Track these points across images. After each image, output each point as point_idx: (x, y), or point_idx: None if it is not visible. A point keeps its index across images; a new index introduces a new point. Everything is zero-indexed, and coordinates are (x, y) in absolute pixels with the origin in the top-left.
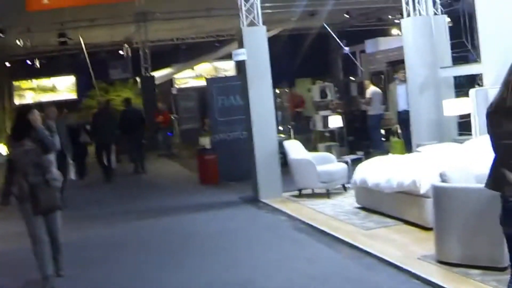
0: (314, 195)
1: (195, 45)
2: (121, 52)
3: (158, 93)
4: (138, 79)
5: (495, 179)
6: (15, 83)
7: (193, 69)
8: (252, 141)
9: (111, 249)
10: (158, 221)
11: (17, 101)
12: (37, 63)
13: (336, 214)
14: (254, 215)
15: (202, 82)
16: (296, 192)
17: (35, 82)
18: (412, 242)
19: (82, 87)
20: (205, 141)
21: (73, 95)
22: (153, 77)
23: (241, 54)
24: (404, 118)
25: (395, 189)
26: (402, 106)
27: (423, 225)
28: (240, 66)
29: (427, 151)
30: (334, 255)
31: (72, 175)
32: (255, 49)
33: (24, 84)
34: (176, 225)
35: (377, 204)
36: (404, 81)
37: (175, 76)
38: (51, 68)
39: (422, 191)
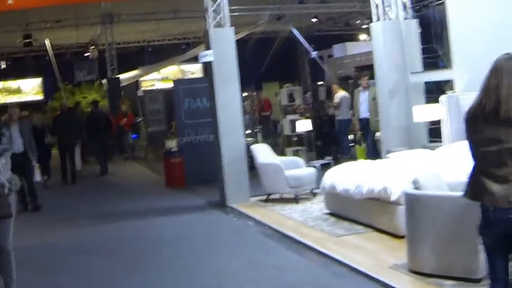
0: (282, 200)
1: (162, 47)
2: (87, 54)
3: (123, 95)
4: (103, 81)
5: (474, 188)
6: None
7: (159, 71)
8: (219, 144)
9: (72, 254)
10: (123, 225)
11: None
12: (3, 65)
13: (305, 220)
14: (221, 220)
15: (169, 85)
16: (264, 197)
17: (0, 84)
18: (383, 250)
19: (48, 88)
20: (172, 144)
21: (39, 97)
22: (118, 79)
23: (207, 56)
24: (365, 125)
25: (365, 196)
26: (363, 113)
27: (394, 233)
28: (207, 68)
29: (397, 158)
30: (303, 263)
31: (37, 176)
32: (222, 51)
33: None
34: (141, 229)
35: (346, 210)
36: (366, 88)
37: (142, 78)
38: (17, 69)
39: (393, 198)
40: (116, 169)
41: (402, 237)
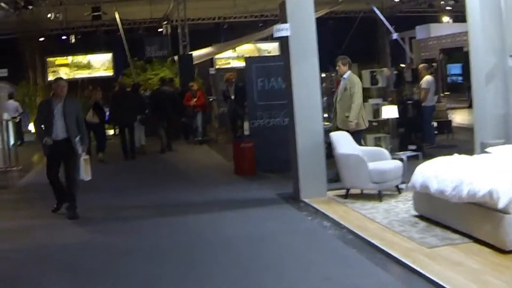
0: (363, 196)
1: (238, 24)
2: (159, 30)
3: (197, 74)
4: (175, 57)
5: None
6: (49, 59)
7: (235, 49)
8: (294, 129)
9: (118, 256)
10: (178, 221)
11: (50, 77)
12: (72, 39)
13: (390, 223)
14: (293, 217)
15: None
16: (343, 191)
17: (69, 59)
18: (487, 269)
19: (119, 64)
20: (245, 127)
21: (109, 73)
22: (191, 56)
23: (283, 30)
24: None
25: (464, 199)
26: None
27: (500, 247)
28: (283, 44)
29: (500, 153)
30: (389, 281)
31: (83, 174)
32: (300, 25)
33: (58, 60)
34: (199, 226)
35: (440, 214)
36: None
37: (216, 56)
38: (87, 44)
39: (501, 204)
40: (183, 150)
41: (509, 252)
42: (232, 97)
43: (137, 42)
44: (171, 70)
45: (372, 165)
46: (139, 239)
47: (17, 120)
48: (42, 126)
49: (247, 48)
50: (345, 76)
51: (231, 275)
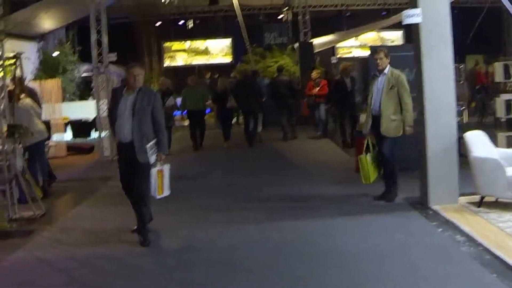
0: (499, 205)
1: (360, 12)
2: (279, 16)
3: (319, 62)
4: (296, 45)
5: None
6: (166, 44)
7: (357, 38)
8: (424, 126)
9: (216, 269)
10: (286, 226)
11: (167, 62)
12: (190, 24)
13: None
14: (419, 228)
15: (367, 53)
16: (476, 198)
17: (187, 44)
18: None
19: (238, 51)
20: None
21: (228, 59)
22: (311, 44)
23: (414, 16)
24: None
25: None
26: None
27: None
28: (413, 31)
29: None
30: None
31: (153, 190)
32: (432, 10)
33: (175, 45)
34: (308, 233)
35: None
36: None
37: (338, 44)
38: (205, 29)
39: None
40: (302, 142)
41: None
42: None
43: (256, 28)
44: (291, 58)
45: (511, 171)
46: (244, 247)
47: None
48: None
49: (370, 37)
50: (385, 71)
51: None
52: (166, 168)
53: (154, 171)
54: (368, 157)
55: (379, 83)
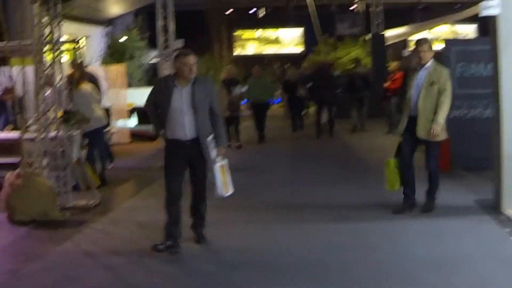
0: None
1: (434, 5)
2: (351, 7)
3: (390, 54)
4: (367, 37)
5: None
6: (236, 33)
7: (430, 31)
8: (499, 124)
9: (275, 273)
10: (349, 225)
11: (237, 51)
12: (261, 13)
13: None
14: (493, 236)
15: (441, 46)
16: None
17: (257, 33)
18: None
19: (309, 41)
20: None
21: (299, 49)
22: (383, 36)
23: (492, 7)
24: None
25: None
26: None
27: None
28: (490, 23)
29: None
30: None
31: (220, 189)
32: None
33: (246, 34)
34: (371, 238)
35: None
36: None
37: (410, 37)
38: (277, 18)
39: None
40: (374, 138)
41: None
42: None
43: (328, 18)
44: (363, 49)
45: None
46: (296, 252)
47: None
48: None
49: (443, 31)
50: (427, 65)
51: None
52: (226, 162)
53: (217, 167)
54: (397, 160)
55: (420, 79)
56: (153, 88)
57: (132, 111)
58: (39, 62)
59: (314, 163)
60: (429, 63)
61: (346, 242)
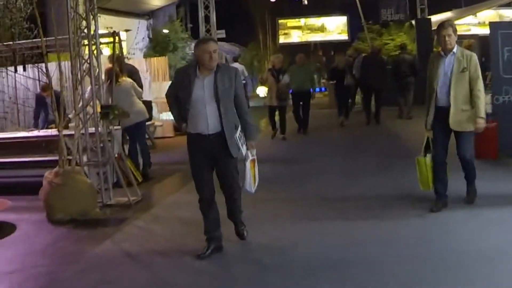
0: None
1: None
2: None
3: (435, 40)
4: (413, 22)
5: None
6: (280, 21)
7: (475, 15)
8: None
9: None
10: (399, 219)
11: (282, 39)
12: (305, 0)
13: None
14: None
15: (486, 31)
16: None
17: (302, 21)
18: None
19: (353, 28)
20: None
21: (344, 36)
22: (429, 20)
23: None
24: None
25: None
26: None
27: None
28: None
29: None
30: None
31: (248, 183)
32: None
33: (290, 22)
34: (425, 230)
35: None
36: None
37: (455, 22)
38: (321, 6)
39: None
40: (421, 126)
41: None
42: None
43: (372, 4)
44: (408, 35)
45: None
46: (342, 250)
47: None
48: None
49: (489, 15)
50: (454, 50)
51: None
52: (255, 157)
53: (247, 163)
54: (428, 158)
55: (447, 66)
56: (173, 80)
57: None
58: (75, 56)
59: (358, 152)
60: (455, 48)
61: (396, 235)
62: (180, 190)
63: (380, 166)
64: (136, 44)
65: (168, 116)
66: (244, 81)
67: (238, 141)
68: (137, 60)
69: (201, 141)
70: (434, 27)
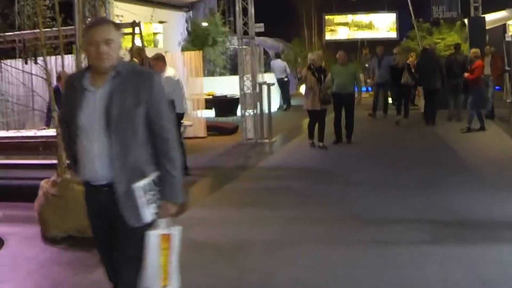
0: None
1: None
2: None
3: (488, 40)
4: (465, 21)
5: None
6: (327, 17)
7: None
8: None
9: None
10: (454, 251)
11: (328, 36)
12: None
13: None
14: None
15: None
16: None
17: (349, 17)
18: None
19: (402, 26)
20: None
21: (392, 34)
22: (483, 19)
23: None
24: None
25: None
26: None
27: None
28: None
29: None
30: None
31: None
32: None
33: (337, 18)
34: (487, 267)
35: None
36: None
37: (509, 22)
38: (370, 2)
39: None
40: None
41: None
42: None
43: (423, 1)
44: (459, 34)
45: None
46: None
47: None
48: None
49: None
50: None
51: None
52: (176, 233)
53: (153, 237)
54: None
55: None
56: (62, 97)
57: (211, 101)
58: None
59: (408, 161)
60: None
61: (455, 271)
62: (198, 204)
63: (431, 180)
64: (174, 38)
65: (199, 114)
66: (286, 79)
67: (141, 198)
68: (169, 54)
69: (91, 196)
70: (488, 27)
